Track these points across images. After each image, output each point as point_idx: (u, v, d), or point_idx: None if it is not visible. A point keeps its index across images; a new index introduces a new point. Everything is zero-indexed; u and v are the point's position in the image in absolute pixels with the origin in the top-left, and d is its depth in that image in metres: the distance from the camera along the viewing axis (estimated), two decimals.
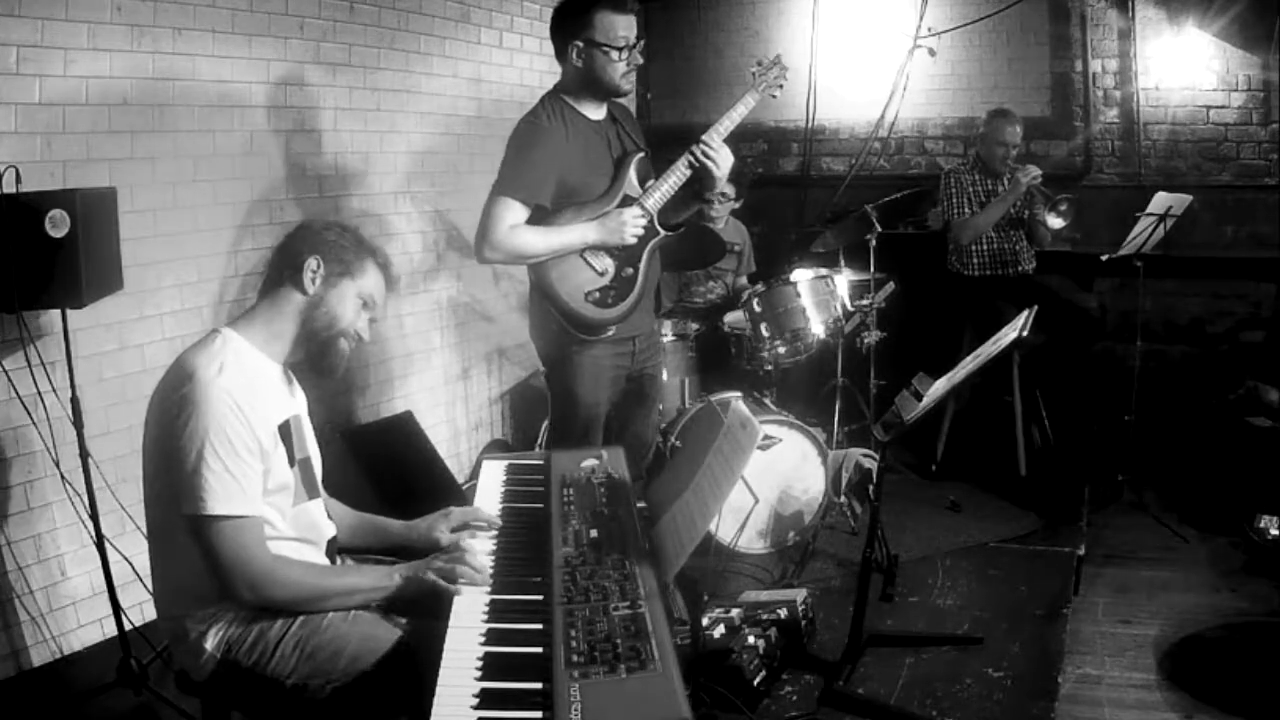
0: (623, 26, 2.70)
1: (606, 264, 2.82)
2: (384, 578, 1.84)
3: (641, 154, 2.90)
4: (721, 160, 2.81)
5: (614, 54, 2.71)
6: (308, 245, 1.89)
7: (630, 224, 2.77)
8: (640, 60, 2.78)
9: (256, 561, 1.73)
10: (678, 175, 2.84)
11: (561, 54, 2.81)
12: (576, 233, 2.76)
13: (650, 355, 3.09)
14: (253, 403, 1.75)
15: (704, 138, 2.81)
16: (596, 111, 2.86)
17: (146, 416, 1.81)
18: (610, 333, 2.84)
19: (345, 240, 1.92)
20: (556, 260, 2.77)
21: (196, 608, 1.79)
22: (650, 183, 2.86)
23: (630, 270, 2.85)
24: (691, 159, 2.81)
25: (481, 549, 1.91)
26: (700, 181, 2.87)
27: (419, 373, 4.39)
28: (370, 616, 1.84)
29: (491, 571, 1.82)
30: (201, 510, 1.68)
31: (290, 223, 2.57)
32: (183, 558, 1.74)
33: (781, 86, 2.97)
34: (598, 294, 2.81)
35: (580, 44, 2.73)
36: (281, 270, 1.90)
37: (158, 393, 1.79)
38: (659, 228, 2.87)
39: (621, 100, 2.95)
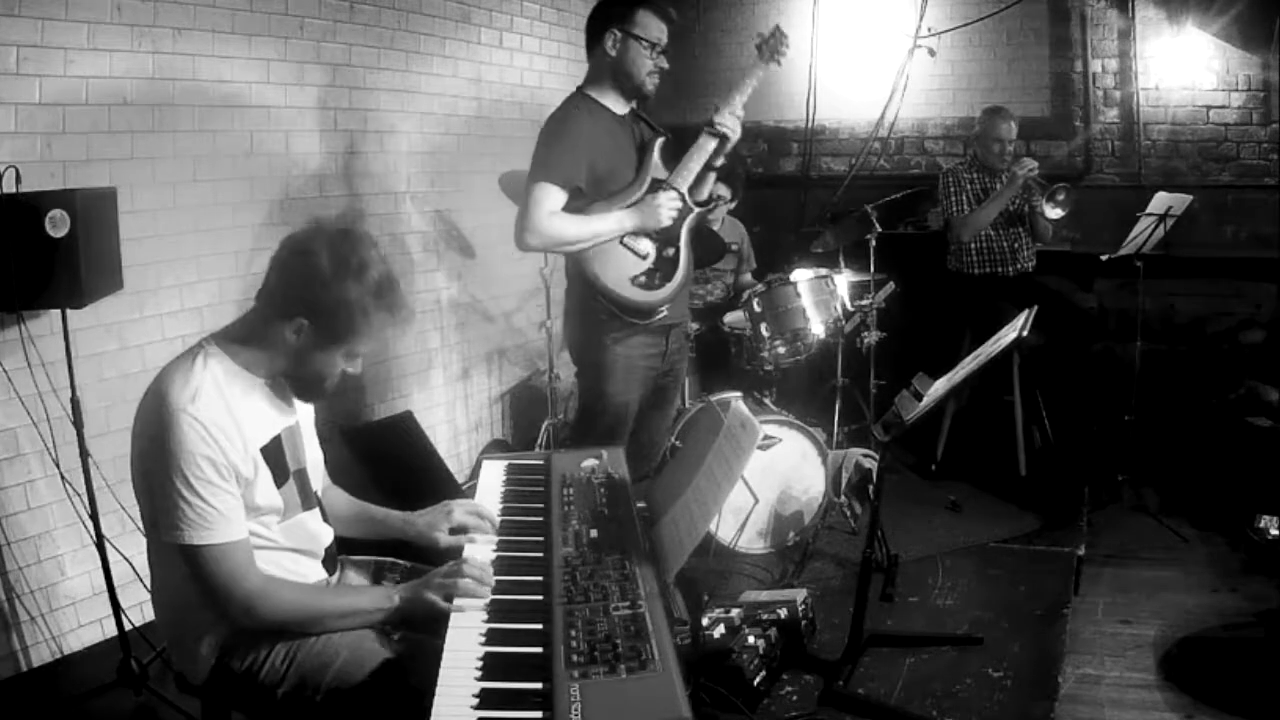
0: (657, 30, 2.87)
1: (647, 247, 2.88)
2: (383, 599, 1.81)
3: (663, 138, 2.97)
4: (736, 130, 2.93)
5: (646, 49, 2.85)
6: (303, 297, 1.71)
7: (665, 205, 2.85)
8: (665, 65, 2.90)
9: (247, 584, 1.69)
10: (701, 151, 2.92)
11: (595, 43, 2.90)
12: (614, 219, 2.83)
13: (680, 357, 3.14)
14: (230, 430, 1.69)
15: (720, 112, 2.90)
16: (620, 108, 2.94)
17: (132, 430, 1.76)
18: (663, 313, 2.89)
19: (348, 297, 1.71)
20: (597, 251, 2.82)
21: (191, 613, 1.77)
22: (675, 164, 2.94)
23: (671, 250, 2.91)
24: (711, 130, 2.91)
25: (482, 556, 1.89)
26: (718, 153, 2.96)
27: (419, 372, 4.39)
28: (362, 631, 1.81)
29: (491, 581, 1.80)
30: (181, 541, 1.65)
31: (290, 225, 2.43)
32: (176, 567, 1.72)
33: (785, 52, 3.02)
34: (643, 277, 2.86)
35: (618, 33, 2.84)
36: (272, 306, 1.76)
37: (138, 411, 1.75)
38: (692, 204, 2.94)
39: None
